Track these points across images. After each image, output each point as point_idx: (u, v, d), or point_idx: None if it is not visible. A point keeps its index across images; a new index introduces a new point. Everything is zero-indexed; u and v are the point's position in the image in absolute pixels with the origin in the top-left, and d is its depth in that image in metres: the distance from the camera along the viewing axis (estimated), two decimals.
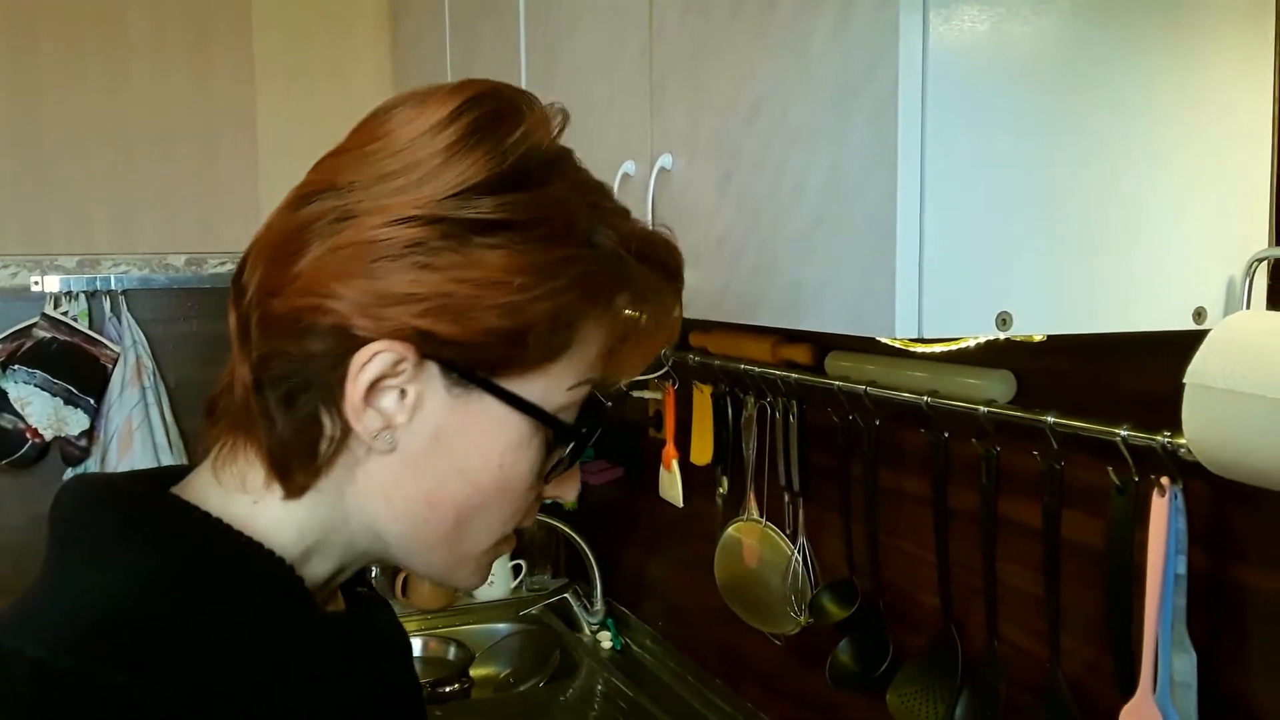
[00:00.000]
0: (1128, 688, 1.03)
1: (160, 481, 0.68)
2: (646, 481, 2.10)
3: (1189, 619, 1.00)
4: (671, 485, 1.98)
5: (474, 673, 2.24)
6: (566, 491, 0.71)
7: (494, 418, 0.64)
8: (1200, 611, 1.01)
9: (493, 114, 0.63)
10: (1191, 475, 0.97)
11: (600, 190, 0.68)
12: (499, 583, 2.49)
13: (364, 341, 0.61)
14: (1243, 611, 1.00)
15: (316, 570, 0.67)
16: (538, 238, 0.62)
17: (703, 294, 1.13)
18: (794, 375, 1.54)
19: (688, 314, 1.21)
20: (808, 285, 0.94)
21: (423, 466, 0.64)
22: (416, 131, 0.62)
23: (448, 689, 2.13)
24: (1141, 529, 1.02)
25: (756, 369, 1.63)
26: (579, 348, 0.65)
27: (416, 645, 2.35)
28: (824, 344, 1.54)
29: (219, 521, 0.63)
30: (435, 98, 0.63)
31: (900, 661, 1.41)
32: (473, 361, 0.62)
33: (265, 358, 0.62)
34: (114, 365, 2.46)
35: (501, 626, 2.42)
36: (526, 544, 2.57)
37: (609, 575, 2.35)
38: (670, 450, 1.97)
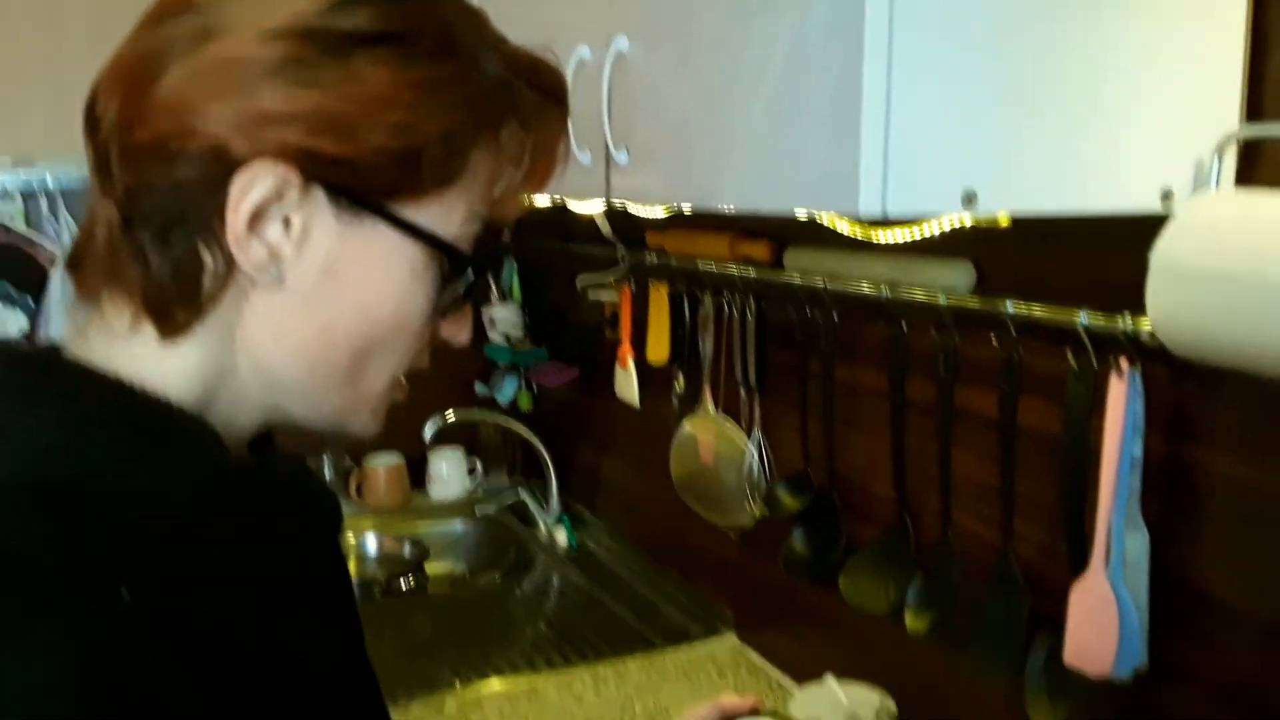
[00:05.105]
0: (1080, 569, 1.04)
1: (59, 348, 0.64)
2: (602, 383, 2.09)
3: (1143, 501, 1.01)
4: (627, 385, 1.97)
5: (430, 569, 2.25)
6: (458, 333, 0.69)
7: (388, 247, 0.61)
8: (1155, 494, 1.02)
9: None
10: (1151, 359, 0.97)
11: (480, 15, 0.65)
12: (454, 483, 2.49)
13: (241, 163, 0.57)
14: (1197, 494, 1.01)
15: (218, 422, 0.63)
16: (422, 52, 0.59)
17: (662, 181, 1.11)
18: (751, 272, 1.53)
19: (645, 202, 1.19)
20: (770, 166, 0.92)
21: (314, 301, 0.61)
22: None
23: (403, 585, 2.14)
24: (1099, 414, 1.02)
25: (714, 267, 1.61)
26: (469, 177, 0.62)
27: (371, 544, 2.35)
28: (782, 240, 1.52)
29: (114, 379, 0.60)
30: None
31: (854, 550, 1.43)
32: (362, 185, 0.59)
33: (131, 192, 0.58)
34: (53, 265, 2.40)
35: (457, 525, 2.42)
36: (482, 445, 2.57)
37: (565, 476, 2.36)
38: (625, 349, 1.96)
